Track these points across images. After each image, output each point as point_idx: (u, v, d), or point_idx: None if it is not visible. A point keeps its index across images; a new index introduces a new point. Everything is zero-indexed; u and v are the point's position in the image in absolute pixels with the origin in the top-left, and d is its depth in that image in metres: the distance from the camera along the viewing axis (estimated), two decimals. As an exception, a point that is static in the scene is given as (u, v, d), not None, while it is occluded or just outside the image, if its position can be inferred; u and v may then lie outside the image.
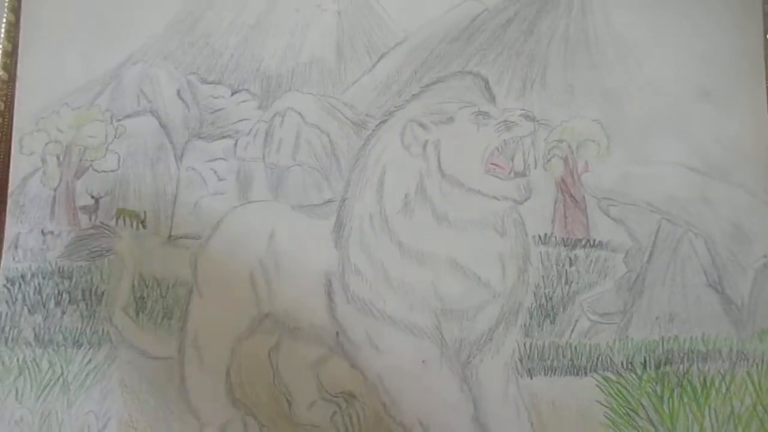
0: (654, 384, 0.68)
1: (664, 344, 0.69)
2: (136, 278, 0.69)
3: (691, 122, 0.73)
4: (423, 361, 0.68)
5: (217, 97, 0.74)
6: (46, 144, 0.72)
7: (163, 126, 0.73)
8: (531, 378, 0.68)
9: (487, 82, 0.74)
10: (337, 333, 0.68)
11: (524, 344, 0.69)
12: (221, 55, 0.75)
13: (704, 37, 0.75)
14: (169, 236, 0.70)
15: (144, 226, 0.71)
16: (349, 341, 0.68)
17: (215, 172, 0.72)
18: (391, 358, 0.68)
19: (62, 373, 0.67)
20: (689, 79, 0.74)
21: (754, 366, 0.69)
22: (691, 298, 0.70)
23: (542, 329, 0.69)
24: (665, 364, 0.69)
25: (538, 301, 0.70)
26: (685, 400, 0.68)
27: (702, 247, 0.71)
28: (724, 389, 0.68)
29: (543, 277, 0.70)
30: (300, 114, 0.73)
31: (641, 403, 0.68)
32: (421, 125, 0.71)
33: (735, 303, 0.70)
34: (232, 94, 0.74)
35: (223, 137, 0.73)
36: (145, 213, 0.71)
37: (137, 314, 0.69)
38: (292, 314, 0.69)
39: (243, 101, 0.74)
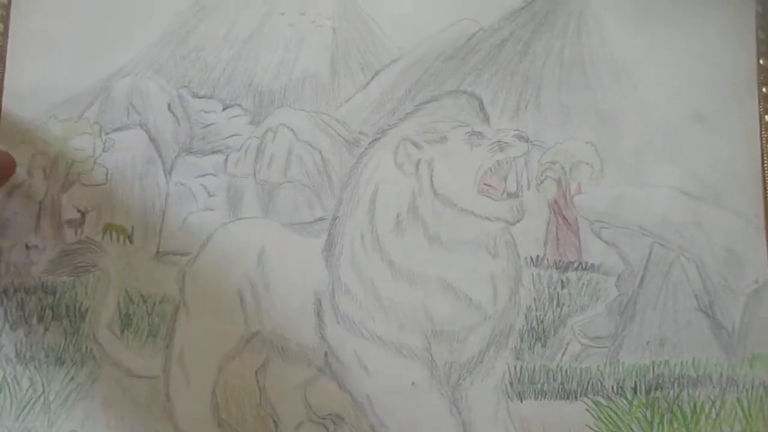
0: (644, 409, 0.70)
1: (655, 369, 0.71)
2: (121, 295, 0.70)
3: (685, 146, 0.76)
4: (412, 383, 0.69)
5: (208, 112, 0.75)
6: (33, 156, 0.73)
7: (152, 140, 0.74)
8: (521, 401, 0.70)
9: (481, 102, 0.75)
10: (326, 353, 0.69)
11: (515, 367, 0.70)
12: (213, 69, 0.76)
13: (699, 60, 0.78)
14: (157, 252, 0.71)
15: (131, 242, 0.71)
16: (338, 362, 0.69)
17: (205, 187, 0.73)
18: (380, 380, 0.69)
19: (43, 392, 0.68)
20: (684, 103, 0.77)
21: (744, 392, 0.70)
22: (682, 322, 0.72)
23: (533, 352, 0.71)
24: (656, 389, 0.70)
25: (530, 324, 0.71)
26: (675, 425, 0.69)
27: (694, 272, 0.73)
28: (714, 415, 0.70)
29: (534, 299, 0.72)
30: (292, 130, 0.74)
31: (631, 429, 0.69)
32: (415, 144, 0.73)
33: (726, 328, 0.72)
34: (224, 109, 0.75)
35: (214, 152, 0.74)
36: (132, 228, 0.72)
37: (122, 332, 0.69)
38: (280, 333, 0.70)
39: (235, 116, 0.75)
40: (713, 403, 0.70)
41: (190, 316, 0.70)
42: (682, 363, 0.71)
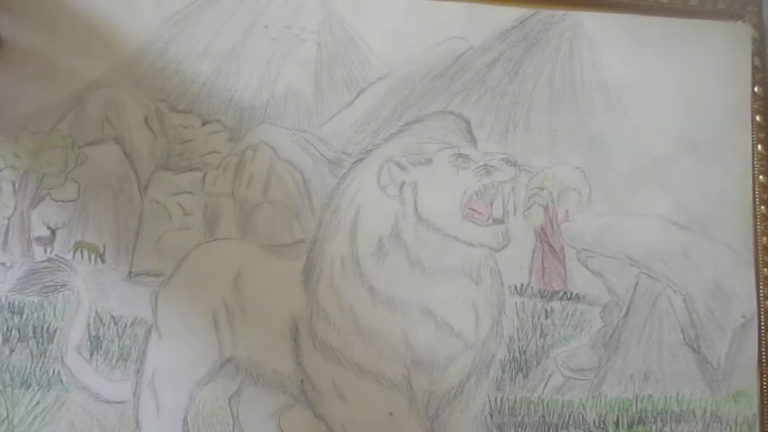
0: (626, 445, 0.71)
1: (638, 403, 0.73)
2: (91, 316, 0.71)
3: (675, 175, 0.78)
4: (390, 413, 0.70)
5: (186, 127, 0.76)
6: (2, 170, 0.73)
7: (127, 155, 0.75)
8: (501, 434, 0.71)
9: (468, 124, 0.77)
10: (302, 380, 0.70)
11: (495, 398, 0.72)
12: (193, 82, 0.77)
13: (693, 88, 0.80)
14: (130, 272, 0.72)
15: (103, 261, 0.72)
16: (314, 390, 0.70)
17: (181, 206, 0.74)
18: (357, 409, 0.70)
19: (7, 416, 0.68)
20: (675, 131, 0.79)
21: (728, 428, 0.73)
22: (667, 356, 0.74)
23: (514, 383, 0.73)
24: (638, 423, 0.72)
25: (512, 354, 0.73)
26: (657, 462, 0.71)
27: (680, 304, 0.75)
28: (696, 452, 0.72)
29: (517, 329, 0.74)
30: (273, 148, 0.75)
31: (612, 464, 0.71)
32: (399, 165, 0.74)
33: (711, 363, 0.74)
34: (203, 125, 0.76)
35: (191, 170, 0.75)
36: (104, 247, 0.72)
37: (91, 354, 0.70)
38: (255, 359, 0.71)
39: (214, 132, 0.76)
40: (696, 439, 0.72)
41: (163, 340, 0.70)
42: (665, 397, 0.73)
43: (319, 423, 0.70)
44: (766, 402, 0.73)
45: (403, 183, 0.74)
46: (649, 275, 0.75)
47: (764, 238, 0.76)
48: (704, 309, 0.75)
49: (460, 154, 0.75)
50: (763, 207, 0.77)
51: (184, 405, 0.69)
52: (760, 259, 0.76)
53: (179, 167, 0.75)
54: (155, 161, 0.75)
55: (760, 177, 0.78)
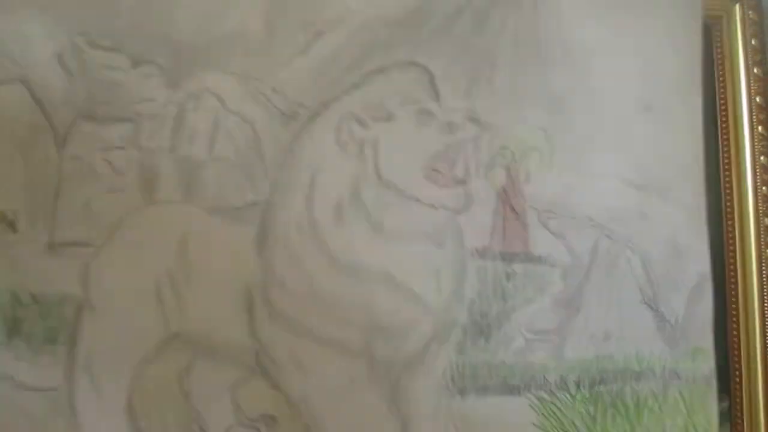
0: (587, 404, 0.75)
1: (599, 363, 0.76)
2: (6, 296, 0.64)
3: (632, 136, 0.80)
4: (350, 381, 0.69)
5: (113, 69, 0.68)
6: None
7: (37, 101, 0.67)
8: (463, 398, 0.72)
9: (432, 77, 0.74)
10: (257, 352, 0.68)
11: (457, 363, 0.72)
12: (119, 14, 0.68)
13: (648, 49, 0.81)
14: (51, 243, 0.65)
15: (14, 230, 0.65)
16: (271, 361, 0.68)
17: (110, 163, 0.67)
18: (317, 378, 0.69)
19: None
20: (632, 92, 0.80)
21: (686, 385, 0.77)
22: (626, 315, 0.77)
23: (476, 347, 0.73)
24: (599, 383, 0.75)
25: (473, 318, 0.73)
26: (618, 420, 0.75)
27: (638, 264, 0.78)
28: (657, 409, 0.76)
29: (479, 292, 0.74)
30: (219, 98, 0.69)
31: (574, 423, 0.74)
32: (359, 121, 0.71)
33: (669, 321, 0.78)
34: (134, 66, 0.68)
35: (121, 121, 0.68)
36: (15, 213, 0.65)
37: (10, 339, 0.64)
38: (205, 333, 0.68)
39: (147, 76, 0.69)
40: (656, 396, 0.76)
41: (98, 317, 0.65)
42: (625, 357, 0.76)
43: (278, 394, 0.68)
44: (721, 358, 0.78)
45: (363, 141, 0.70)
46: (608, 236, 0.77)
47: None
48: (661, 268, 0.78)
49: (422, 109, 0.72)
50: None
51: (127, 386, 0.65)
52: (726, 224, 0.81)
53: (106, 117, 0.67)
54: (75, 109, 0.67)
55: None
